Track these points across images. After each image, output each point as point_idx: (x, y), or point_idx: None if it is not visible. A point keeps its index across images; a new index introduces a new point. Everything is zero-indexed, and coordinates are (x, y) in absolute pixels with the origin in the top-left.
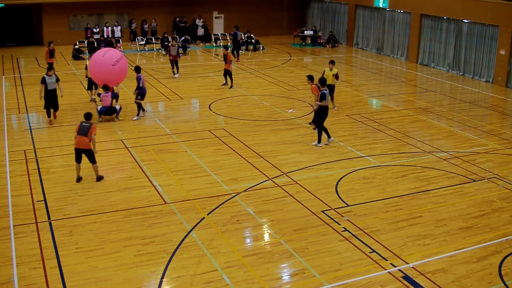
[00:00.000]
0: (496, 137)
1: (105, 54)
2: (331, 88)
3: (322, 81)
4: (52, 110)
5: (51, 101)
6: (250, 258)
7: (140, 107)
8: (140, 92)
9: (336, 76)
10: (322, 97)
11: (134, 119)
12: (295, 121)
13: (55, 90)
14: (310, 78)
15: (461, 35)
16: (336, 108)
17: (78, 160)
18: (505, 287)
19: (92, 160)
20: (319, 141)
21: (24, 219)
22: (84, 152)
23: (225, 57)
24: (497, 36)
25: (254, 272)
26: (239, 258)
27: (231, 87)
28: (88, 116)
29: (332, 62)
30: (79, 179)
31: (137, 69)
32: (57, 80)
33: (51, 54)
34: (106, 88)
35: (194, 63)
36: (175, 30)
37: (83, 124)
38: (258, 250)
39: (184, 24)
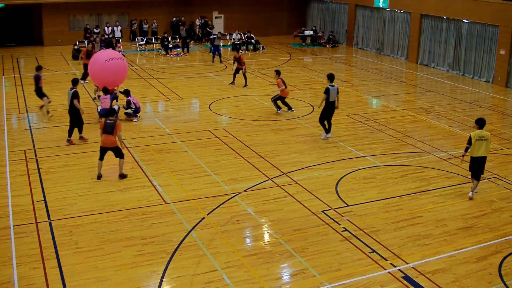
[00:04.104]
0: (496, 137)
1: (105, 52)
2: (483, 160)
3: (330, 76)
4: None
5: (70, 116)
6: (250, 258)
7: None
8: (135, 110)
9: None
10: (326, 91)
11: (134, 120)
12: (295, 121)
13: (71, 105)
14: (278, 72)
15: (461, 35)
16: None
17: (102, 158)
18: (505, 287)
19: (120, 155)
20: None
21: (24, 219)
22: (111, 150)
23: (239, 60)
24: (497, 36)
25: (254, 272)
26: (239, 258)
27: (245, 85)
28: (111, 112)
29: (479, 122)
30: (99, 177)
31: (126, 93)
32: (73, 95)
33: (88, 55)
34: (105, 91)
35: (194, 63)
36: (173, 30)
37: (108, 122)
38: (258, 250)
39: (181, 24)
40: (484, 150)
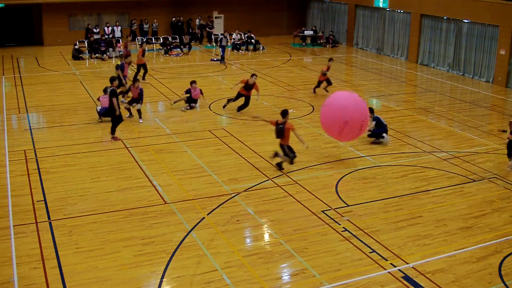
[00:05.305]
0: (496, 137)
1: (343, 131)
2: None
3: (371, 110)
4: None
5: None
6: (250, 258)
7: (140, 112)
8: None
9: None
10: (377, 120)
11: (140, 122)
12: (295, 121)
13: (110, 103)
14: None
15: (461, 35)
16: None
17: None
18: (505, 287)
19: (282, 151)
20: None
21: (24, 219)
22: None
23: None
24: (497, 36)
25: (254, 272)
26: (239, 258)
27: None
28: (283, 113)
29: None
30: (275, 155)
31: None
32: (111, 94)
33: (144, 53)
34: (105, 91)
35: (194, 63)
36: (173, 30)
37: (277, 126)
38: (258, 250)
39: (181, 23)
40: None
